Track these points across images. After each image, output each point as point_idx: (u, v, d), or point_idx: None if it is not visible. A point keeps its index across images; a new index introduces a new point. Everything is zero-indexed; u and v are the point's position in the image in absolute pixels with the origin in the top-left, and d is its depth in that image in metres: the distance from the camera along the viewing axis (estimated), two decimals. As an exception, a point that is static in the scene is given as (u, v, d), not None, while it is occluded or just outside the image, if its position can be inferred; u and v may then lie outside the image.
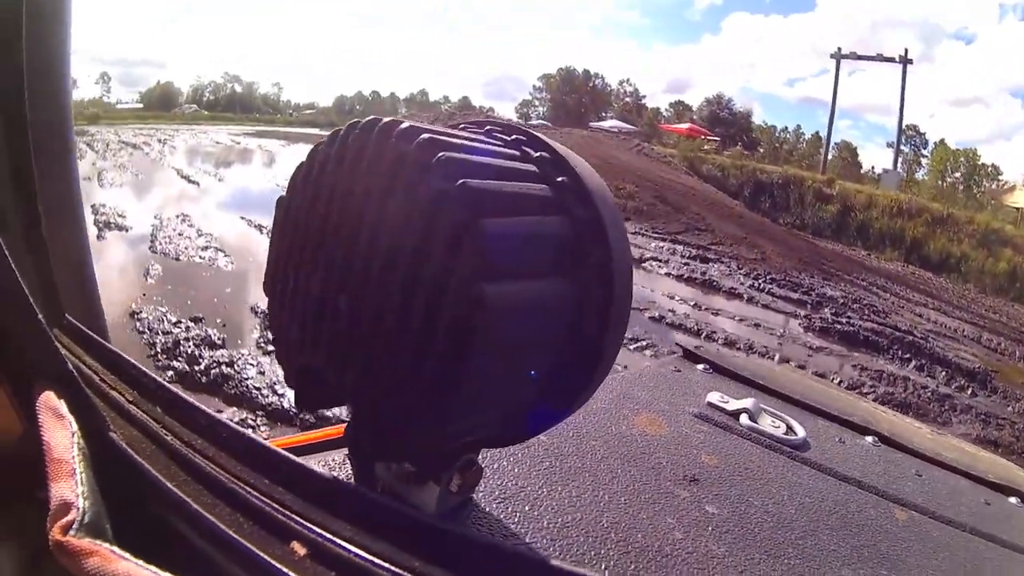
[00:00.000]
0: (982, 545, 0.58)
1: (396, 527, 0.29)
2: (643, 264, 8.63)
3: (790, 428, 0.73)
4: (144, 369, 0.39)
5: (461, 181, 0.31)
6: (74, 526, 0.33)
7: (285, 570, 0.28)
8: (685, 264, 9.17)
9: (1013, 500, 0.74)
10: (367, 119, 0.36)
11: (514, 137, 0.37)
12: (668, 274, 8.52)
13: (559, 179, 0.35)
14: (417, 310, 0.32)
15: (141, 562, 0.29)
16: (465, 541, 0.28)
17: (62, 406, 0.38)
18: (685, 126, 31.36)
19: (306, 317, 0.36)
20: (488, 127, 0.39)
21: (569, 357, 0.34)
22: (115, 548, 0.31)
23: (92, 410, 0.37)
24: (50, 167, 0.48)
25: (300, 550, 0.29)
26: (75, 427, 0.37)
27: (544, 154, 0.36)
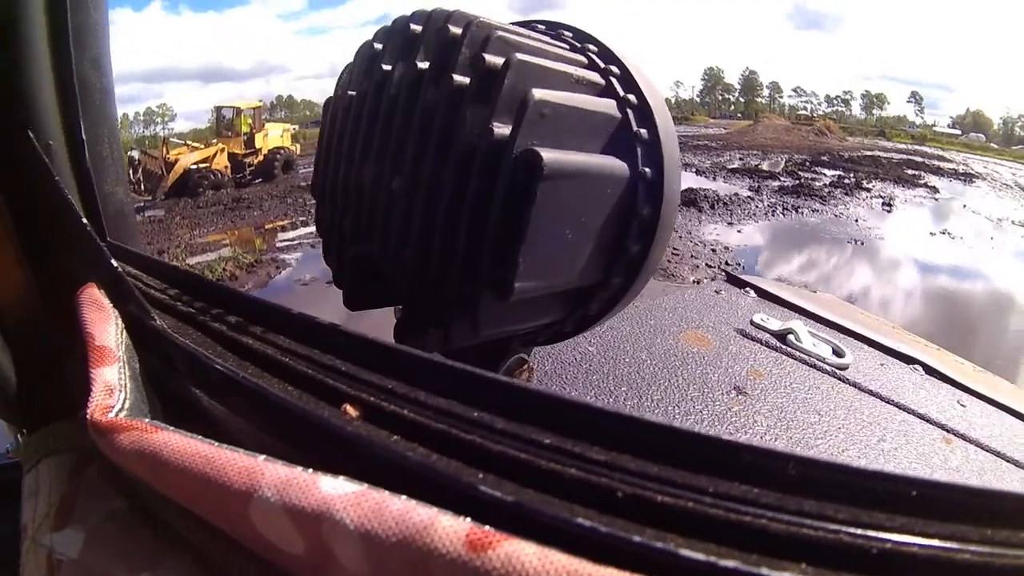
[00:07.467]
0: None
1: (453, 383, 0.28)
2: None
3: (835, 350, 0.73)
4: (184, 268, 0.39)
5: (515, 55, 0.32)
6: (115, 408, 0.32)
7: (340, 425, 0.27)
8: None
9: None
10: (414, 12, 0.37)
11: (560, 31, 0.38)
12: None
13: (610, 67, 0.36)
14: (473, 183, 0.32)
15: (183, 431, 0.28)
16: (525, 391, 0.27)
17: (104, 299, 0.37)
18: None
19: (360, 207, 0.36)
20: (534, 23, 0.40)
21: (624, 234, 0.34)
22: (156, 422, 0.30)
23: (134, 300, 0.36)
24: (90, 108, 0.49)
25: (353, 411, 0.28)
26: (118, 317, 0.37)
27: (592, 46, 0.37)
